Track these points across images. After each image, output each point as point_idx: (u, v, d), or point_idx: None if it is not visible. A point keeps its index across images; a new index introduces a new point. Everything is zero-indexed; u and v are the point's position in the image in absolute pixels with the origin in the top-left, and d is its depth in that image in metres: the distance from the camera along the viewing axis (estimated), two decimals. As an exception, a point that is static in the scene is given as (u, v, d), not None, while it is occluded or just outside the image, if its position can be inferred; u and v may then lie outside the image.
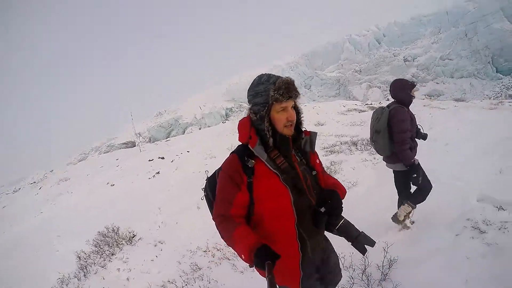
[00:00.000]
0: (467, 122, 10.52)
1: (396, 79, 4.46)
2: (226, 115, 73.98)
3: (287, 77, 2.10)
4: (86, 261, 6.41)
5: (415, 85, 4.36)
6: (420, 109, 16.83)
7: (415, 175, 4.18)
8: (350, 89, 72.86)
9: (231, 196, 2.10)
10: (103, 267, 6.10)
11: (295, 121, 2.12)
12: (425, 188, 4.39)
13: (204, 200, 2.57)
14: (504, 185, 4.87)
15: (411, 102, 4.36)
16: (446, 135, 9.30)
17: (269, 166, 2.09)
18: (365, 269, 3.69)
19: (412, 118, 4.31)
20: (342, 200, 2.21)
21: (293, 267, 2.18)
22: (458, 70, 63.02)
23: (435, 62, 66.21)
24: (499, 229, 3.77)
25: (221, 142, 15.93)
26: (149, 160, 15.66)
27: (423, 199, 4.43)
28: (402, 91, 4.28)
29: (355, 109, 21.42)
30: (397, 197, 4.65)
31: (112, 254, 6.50)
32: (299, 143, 2.26)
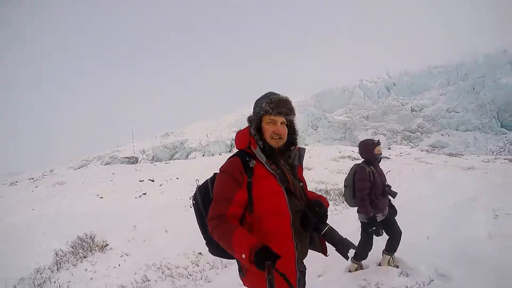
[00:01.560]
0: (436, 182, 11.29)
1: (361, 141, 5.06)
2: (231, 145, 74.31)
3: (284, 96, 2.44)
4: (62, 258, 7.47)
5: (379, 144, 4.93)
6: (410, 162, 18.12)
7: (374, 228, 4.56)
8: (356, 134, 73.20)
9: (232, 193, 2.27)
10: (74, 265, 7.18)
11: (283, 135, 2.40)
12: (396, 236, 4.89)
13: (189, 211, 3.10)
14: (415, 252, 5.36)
15: (377, 160, 4.93)
16: (409, 193, 10.11)
17: (267, 167, 2.34)
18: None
19: (379, 174, 4.89)
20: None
21: (290, 267, 2.32)
22: (463, 123, 63.29)
23: (442, 114, 66.60)
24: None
25: (210, 173, 16.59)
26: (140, 181, 16.42)
27: (397, 244, 4.90)
28: (365, 151, 4.89)
29: (349, 156, 21.97)
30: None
31: (85, 257, 7.55)
32: (288, 156, 2.53)
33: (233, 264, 6.35)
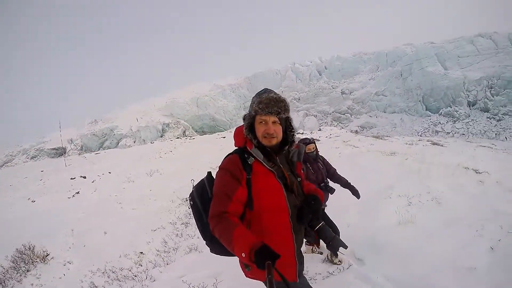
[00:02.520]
0: (359, 169, 11.14)
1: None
2: (162, 130, 72.11)
3: (275, 95, 2.42)
4: (4, 276, 6.93)
5: (310, 143, 5.19)
6: (338, 145, 18.07)
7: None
8: (287, 116, 74.97)
9: (232, 190, 2.29)
10: (19, 281, 6.73)
11: (276, 134, 2.41)
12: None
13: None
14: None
15: (311, 157, 5.20)
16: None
17: (265, 165, 2.38)
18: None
19: (315, 171, 5.15)
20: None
21: (290, 258, 2.40)
22: (390, 106, 67.78)
23: (370, 97, 70.48)
24: (310, 279, 4.52)
25: (142, 165, 15.99)
26: (71, 179, 15.65)
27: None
28: None
29: None
30: None
31: (28, 271, 7.08)
32: (287, 154, 2.58)
33: (175, 262, 6.42)
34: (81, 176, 16.06)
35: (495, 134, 52.76)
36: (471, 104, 61.33)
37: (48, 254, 7.66)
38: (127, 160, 19.74)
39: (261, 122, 2.41)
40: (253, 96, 2.52)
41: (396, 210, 6.50)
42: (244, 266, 2.52)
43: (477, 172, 9.42)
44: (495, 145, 28.63)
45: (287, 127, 2.55)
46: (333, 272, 4.61)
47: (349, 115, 70.66)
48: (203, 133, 71.42)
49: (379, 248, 5.06)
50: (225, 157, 2.51)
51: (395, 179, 9.14)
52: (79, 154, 35.98)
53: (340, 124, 67.85)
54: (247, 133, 2.46)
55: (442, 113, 61.24)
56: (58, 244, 8.29)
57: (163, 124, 73.84)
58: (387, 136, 30.59)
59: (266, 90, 2.50)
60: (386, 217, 6.37)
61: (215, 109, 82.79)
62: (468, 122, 57.35)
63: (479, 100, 60.55)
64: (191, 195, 2.71)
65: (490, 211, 6.11)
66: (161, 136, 69.39)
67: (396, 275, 4.29)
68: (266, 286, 1.88)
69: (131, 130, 71.77)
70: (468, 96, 61.83)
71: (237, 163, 2.38)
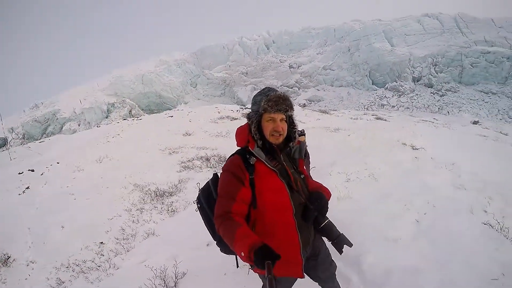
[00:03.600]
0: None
1: None
2: (107, 111, 68.62)
3: (282, 93, 2.45)
4: None
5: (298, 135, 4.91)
6: None
7: None
8: (235, 90, 74.76)
9: (235, 191, 2.32)
10: None
11: (283, 132, 2.44)
12: None
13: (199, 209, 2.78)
14: None
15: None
16: None
17: (267, 164, 2.40)
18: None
19: (307, 164, 5.09)
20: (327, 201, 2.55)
21: (295, 256, 2.39)
22: (338, 80, 69.10)
23: (318, 71, 71.45)
24: None
25: (90, 152, 14.60)
26: (19, 173, 14.34)
27: None
28: None
29: (228, 116, 21.19)
30: None
31: None
32: (289, 151, 2.61)
33: (134, 248, 6.37)
34: (29, 170, 14.65)
35: (438, 108, 55.25)
36: (415, 80, 63.84)
37: (9, 257, 7.01)
38: (74, 147, 18.26)
39: (269, 120, 2.44)
40: (256, 94, 2.57)
41: (335, 186, 6.57)
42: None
43: (414, 148, 9.84)
44: (437, 120, 30.76)
45: (290, 124, 2.58)
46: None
47: (297, 89, 71.25)
48: (149, 111, 69.01)
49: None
50: (228, 158, 2.55)
51: (337, 156, 9.35)
52: (22, 144, 33.33)
53: None
54: (255, 132, 2.47)
55: (388, 88, 63.25)
56: (17, 245, 7.67)
57: (108, 104, 70.16)
58: (333, 110, 31.46)
59: (270, 89, 2.51)
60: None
61: (161, 86, 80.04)
62: (412, 97, 59.60)
63: (424, 76, 63.14)
64: (198, 198, 2.78)
65: (420, 187, 6.48)
66: (107, 117, 66.36)
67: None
68: (266, 285, 1.82)
69: (75, 112, 66.93)
70: (413, 72, 64.46)
71: (239, 164, 2.41)
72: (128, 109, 71.37)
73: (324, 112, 26.36)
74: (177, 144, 13.33)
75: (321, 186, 2.71)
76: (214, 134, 15.73)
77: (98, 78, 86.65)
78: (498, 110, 51.78)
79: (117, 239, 6.81)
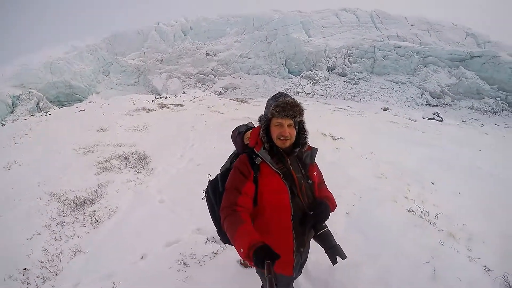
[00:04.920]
0: (226, 141, 10.67)
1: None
2: (13, 104, 60.85)
3: (291, 99, 2.63)
4: None
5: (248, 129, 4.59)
6: (203, 112, 17.70)
7: None
8: (150, 78, 71.42)
9: (240, 184, 2.54)
10: None
11: (290, 137, 2.61)
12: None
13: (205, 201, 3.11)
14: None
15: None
16: (203, 153, 9.93)
17: (272, 166, 2.59)
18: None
19: None
20: (330, 212, 2.66)
21: (288, 255, 2.61)
22: (254, 68, 69.35)
23: (235, 59, 71.14)
24: (199, 262, 4.70)
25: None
26: None
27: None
28: (235, 143, 4.03)
29: (143, 108, 19.57)
30: None
31: None
32: (300, 155, 2.77)
33: (63, 271, 5.56)
34: None
35: (351, 96, 57.43)
36: (330, 69, 66.13)
37: None
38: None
39: (277, 124, 2.61)
40: (269, 98, 2.79)
41: None
42: None
43: (334, 139, 10.51)
44: (351, 107, 33.95)
45: (300, 129, 2.73)
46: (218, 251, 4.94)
47: (213, 77, 70.09)
48: (59, 103, 63.79)
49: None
50: (238, 156, 2.79)
51: None
52: None
53: (204, 85, 67.35)
54: (262, 134, 2.67)
55: (303, 76, 64.67)
56: None
57: (13, 96, 63.04)
58: (251, 99, 32.15)
59: (282, 94, 2.69)
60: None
61: (72, 75, 72.01)
62: (327, 85, 61.52)
63: (338, 66, 65.54)
64: (206, 189, 3.09)
65: (345, 179, 6.83)
66: (12, 112, 58.04)
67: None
68: (266, 285, 1.93)
69: (-26, 106, 59.42)
70: (328, 62, 66.73)
71: (246, 162, 2.62)
72: (35, 102, 63.62)
73: (242, 101, 26.49)
74: (91, 142, 11.92)
75: (328, 196, 2.81)
76: (130, 129, 14.14)
77: (1, 66, 79.25)
78: (407, 98, 55.11)
79: (41, 262, 5.78)
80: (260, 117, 2.79)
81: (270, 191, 2.53)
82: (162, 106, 20.05)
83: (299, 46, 67.20)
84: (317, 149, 2.88)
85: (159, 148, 10.64)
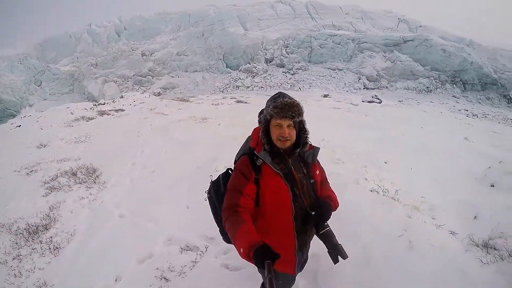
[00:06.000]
0: (176, 144, 10.58)
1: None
2: None
3: (290, 99, 2.61)
4: None
5: None
6: (146, 115, 16.83)
7: None
8: (85, 85, 68.53)
9: (242, 185, 2.53)
10: None
11: (290, 137, 2.59)
12: None
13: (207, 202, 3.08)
14: (193, 221, 5.71)
15: None
16: (155, 158, 9.49)
17: (273, 167, 2.56)
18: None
19: None
20: (332, 212, 2.71)
21: (290, 254, 2.63)
22: (192, 65, 68.92)
23: (172, 57, 70.36)
24: (179, 275, 4.57)
25: None
26: None
27: None
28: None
29: (83, 117, 17.99)
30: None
31: None
32: (302, 155, 2.75)
33: None
34: None
35: (290, 85, 58.34)
36: (268, 61, 67.01)
37: None
38: None
39: (276, 125, 2.59)
40: (268, 99, 2.78)
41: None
42: None
43: None
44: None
45: (301, 129, 2.72)
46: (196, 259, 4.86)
47: (151, 77, 68.93)
48: None
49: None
50: (239, 157, 2.78)
51: (216, 149, 9.30)
52: None
53: (141, 87, 65.91)
54: (262, 136, 2.65)
55: (242, 70, 64.99)
56: None
57: None
58: (192, 97, 31.63)
59: (280, 95, 2.69)
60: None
61: (2, 88, 66.60)
62: (266, 77, 62.09)
63: (276, 57, 66.66)
64: (208, 189, 3.06)
65: None
66: None
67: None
68: (266, 285, 1.93)
69: None
70: (266, 54, 67.66)
71: (247, 164, 2.61)
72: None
73: (184, 100, 25.87)
74: (33, 160, 10.61)
75: (330, 195, 2.83)
76: (72, 141, 12.79)
77: None
78: (345, 84, 57.20)
79: (5, 307, 5.27)
80: (259, 118, 2.82)
81: (272, 192, 2.55)
82: (102, 113, 18.75)
83: (236, 40, 67.61)
84: (319, 148, 2.90)
85: (108, 159, 9.85)
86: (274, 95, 2.73)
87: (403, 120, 16.93)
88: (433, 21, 77.00)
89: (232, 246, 4.79)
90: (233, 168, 2.85)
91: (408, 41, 61.59)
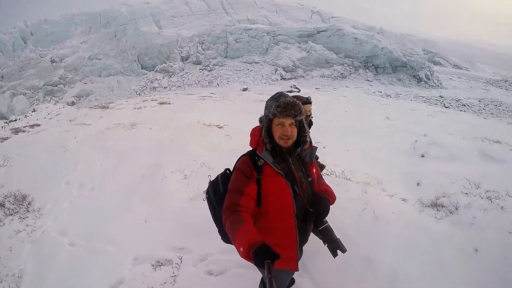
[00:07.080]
0: (112, 154, 9.90)
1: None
2: None
3: (291, 99, 2.67)
4: None
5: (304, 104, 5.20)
6: (68, 127, 15.37)
7: None
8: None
9: (243, 185, 2.62)
10: None
11: (292, 136, 2.68)
12: None
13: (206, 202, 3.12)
14: (155, 234, 5.54)
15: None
16: (91, 173, 8.81)
17: (274, 167, 2.66)
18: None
19: None
20: (330, 206, 2.82)
21: (292, 251, 2.71)
22: (105, 69, 66.38)
23: (84, 62, 66.93)
24: None
25: None
26: None
27: None
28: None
29: None
30: None
31: None
32: (301, 154, 2.85)
33: None
34: None
35: (208, 82, 58.44)
36: (184, 59, 66.56)
37: None
38: None
39: (278, 124, 2.67)
40: (268, 99, 2.85)
41: (181, 188, 6.85)
42: None
43: (219, 127, 11.02)
44: (214, 93, 34.35)
45: (301, 128, 2.80)
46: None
47: (62, 86, 64.54)
48: None
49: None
50: (239, 157, 2.87)
51: (156, 154, 9.02)
52: None
53: (53, 98, 61.59)
54: (265, 135, 2.73)
55: (158, 70, 64.03)
56: None
57: None
58: (110, 103, 29.31)
59: (281, 94, 2.75)
60: (178, 198, 6.50)
61: None
62: (183, 75, 61.74)
63: (192, 55, 66.28)
64: (207, 189, 3.10)
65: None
66: None
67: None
68: (266, 285, 1.96)
69: None
70: (182, 52, 67.08)
71: (248, 164, 2.69)
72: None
73: (103, 107, 23.77)
74: None
75: (327, 189, 2.93)
76: None
77: None
78: (262, 76, 58.17)
79: None
80: (260, 118, 2.86)
81: (274, 192, 2.62)
82: (16, 131, 16.67)
83: (151, 40, 66.45)
84: (317, 147, 3.03)
85: (35, 181, 8.65)
86: (275, 95, 2.80)
87: (326, 107, 18.00)
88: (344, 11, 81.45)
89: (208, 251, 4.69)
90: (231, 169, 2.96)
91: (321, 31, 64.24)
